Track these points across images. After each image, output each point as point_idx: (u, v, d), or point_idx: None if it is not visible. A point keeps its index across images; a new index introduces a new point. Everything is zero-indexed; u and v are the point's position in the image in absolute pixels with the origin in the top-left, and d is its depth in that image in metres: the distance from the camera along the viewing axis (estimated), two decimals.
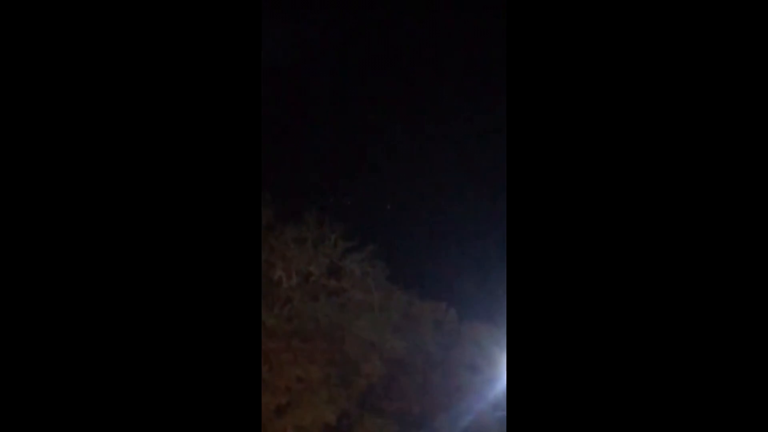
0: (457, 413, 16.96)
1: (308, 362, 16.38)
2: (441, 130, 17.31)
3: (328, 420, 16.32)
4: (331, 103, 17.10)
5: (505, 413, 16.85)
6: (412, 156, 17.76)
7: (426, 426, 17.00)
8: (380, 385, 17.01)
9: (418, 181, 17.69)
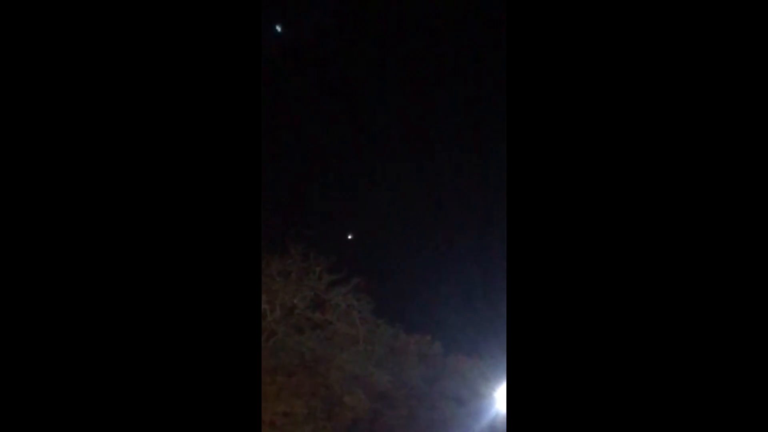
0: None
1: (292, 396, 16.24)
2: (426, 164, 17.46)
3: None
4: (318, 137, 17.22)
5: None
6: (398, 191, 17.87)
7: None
8: (365, 419, 16.89)
9: (404, 215, 17.78)
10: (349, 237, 17.15)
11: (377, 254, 17.46)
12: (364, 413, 16.81)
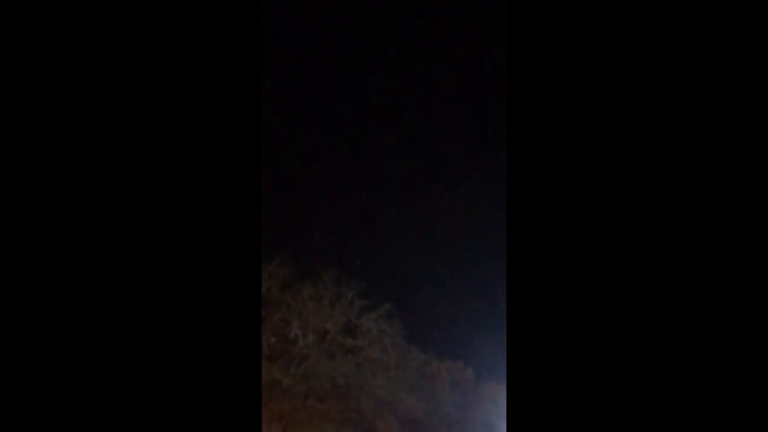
0: None
1: (324, 422, 16.23)
2: (453, 189, 17.45)
3: None
4: (348, 163, 17.36)
5: None
6: (429, 217, 17.86)
7: None
8: None
9: (436, 241, 17.75)
10: (357, 261, 17.10)
11: (409, 280, 17.44)
12: None
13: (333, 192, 17.41)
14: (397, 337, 17.13)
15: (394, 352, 17.04)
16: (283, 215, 15.53)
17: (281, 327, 16.39)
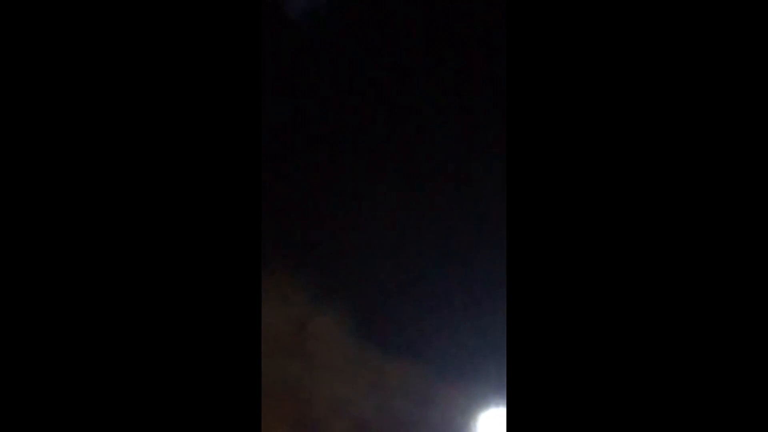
0: None
1: (275, 420, 16.09)
2: (416, 183, 17.47)
3: None
4: (308, 151, 17.19)
5: None
6: (384, 214, 17.84)
7: None
8: None
9: (391, 239, 17.73)
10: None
11: (364, 278, 17.39)
12: None
13: (292, 187, 17.22)
14: (350, 335, 17.13)
15: (347, 351, 17.06)
16: None
17: None
